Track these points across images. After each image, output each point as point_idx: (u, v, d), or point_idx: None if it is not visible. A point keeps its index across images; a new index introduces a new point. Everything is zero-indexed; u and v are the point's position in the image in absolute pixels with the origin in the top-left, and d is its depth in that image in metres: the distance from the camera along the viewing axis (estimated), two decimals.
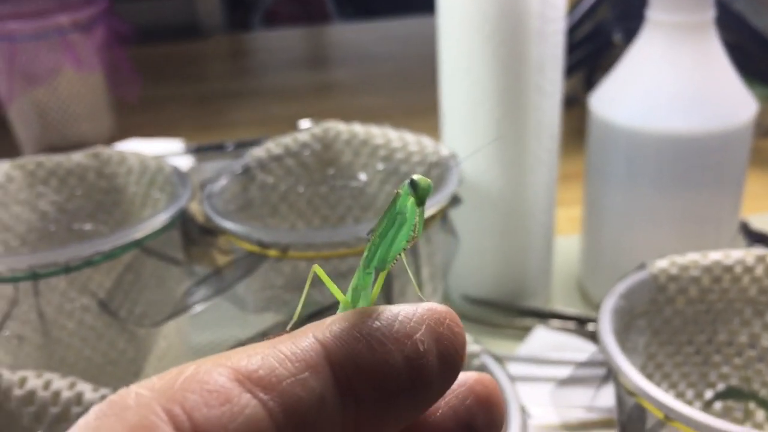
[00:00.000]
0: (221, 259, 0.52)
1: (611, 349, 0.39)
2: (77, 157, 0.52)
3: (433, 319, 0.15)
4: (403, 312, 0.15)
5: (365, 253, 0.17)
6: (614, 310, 0.43)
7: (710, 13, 0.60)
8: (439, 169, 0.48)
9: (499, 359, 0.39)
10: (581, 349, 0.65)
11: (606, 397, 0.44)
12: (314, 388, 0.13)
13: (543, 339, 0.68)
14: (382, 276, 0.17)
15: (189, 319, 0.51)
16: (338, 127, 0.53)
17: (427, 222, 0.44)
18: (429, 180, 0.16)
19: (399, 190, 0.16)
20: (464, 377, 0.17)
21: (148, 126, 1.17)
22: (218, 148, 0.71)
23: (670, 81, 0.63)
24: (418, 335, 0.15)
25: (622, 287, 0.44)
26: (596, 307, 0.73)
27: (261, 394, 0.13)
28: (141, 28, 1.11)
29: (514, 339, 0.68)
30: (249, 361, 0.13)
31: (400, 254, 0.17)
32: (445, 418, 0.16)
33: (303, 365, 0.14)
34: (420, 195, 0.16)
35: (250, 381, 0.13)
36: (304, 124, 0.76)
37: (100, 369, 0.45)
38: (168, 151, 0.68)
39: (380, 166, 0.50)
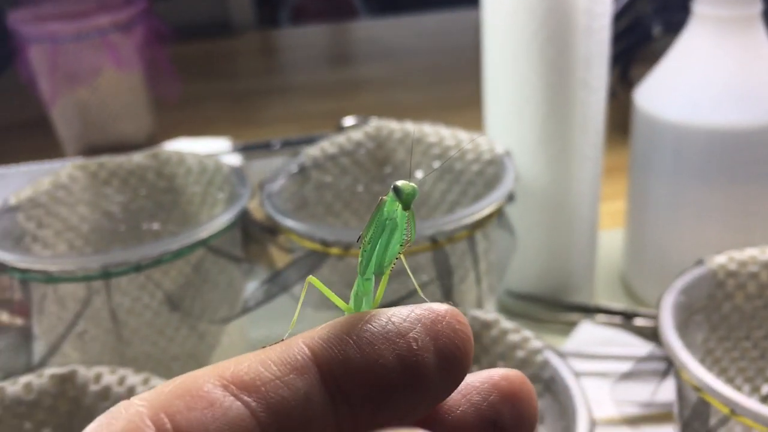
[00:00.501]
0: (279, 258, 0.53)
1: (674, 345, 0.39)
2: (137, 157, 0.53)
3: (430, 317, 0.15)
4: (396, 313, 0.15)
5: (360, 259, 0.17)
6: (674, 305, 0.43)
7: (758, 7, 0.60)
8: (494, 166, 0.49)
9: (562, 355, 0.40)
10: (628, 343, 0.66)
11: (665, 392, 0.45)
12: (299, 389, 0.14)
13: (589, 334, 0.68)
14: (384, 280, 0.17)
15: (247, 316, 0.52)
16: (390, 125, 0.54)
17: (485, 219, 0.44)
18: (413, 185, 0.16)
19: (384, 197, 0.16)
20: (489, 373, 0.16)
21: (186, 124, 1.18)
22: (265, 147, 0.72)
23: (718, 75, 0.63)
24: (411, 334, 0.15)
25: (681, 283, 0.44)
26: (640, 301, 0.73)
27: (245, 397, 0.14)
28: (174, 26, 1.13)
29: (560, 334, 0.68)
30: (236, 367, 0.14)
31: (397, 258, 0.17)
32: (466, 415, 0.16)
33: (288, 368, 0.14)
34: (405, 200, 0.16)
35: (235, 385, 0.14)
36: (348, 121, 0.77)
37: (166, 365, 0.46)
38: (215, 149, 0.69)
39: (435, 164, 0.51)
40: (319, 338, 0.15)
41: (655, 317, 0.67)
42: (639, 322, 0.68)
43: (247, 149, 0.72)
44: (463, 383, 0.16)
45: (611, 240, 0.80)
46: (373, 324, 0.15)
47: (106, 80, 1.05)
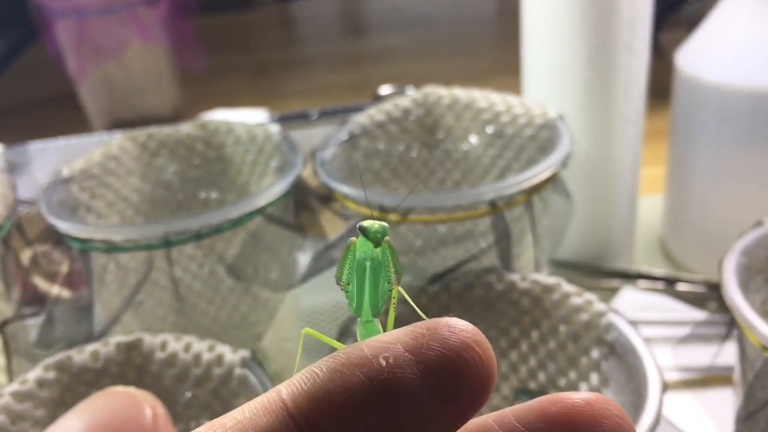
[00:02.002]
0: (329, 226, 0.53)
1: (740, 306, 0.39)
2: (185, 128, 0.53)
3: (412, 333, 0.14)
4: (373, 340, 0.14)
5: (349, 302, 0.17)
6: (735, 267, 0.43)
7: None
8: (547, 130, 0.48)
9: (631, 321, 0.40)
10: (671, 309, 0.66)
11: (724, 356, 0.44)
12: (263, 427, 0.14)
13: (631, 300, 0.68)
14: (390, 315, 0.17)
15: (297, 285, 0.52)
16: (438, 91, 0.53)
17: (543, 183, 0.44)
18: (380, 224, 0.16)
19: (353, 238, 0.16)
20: (534, 403, 0.15)
21: (211, 98, 1.18)
22: (303, 117, 0.71)
23: (763, 37, 0.62)
24: (385, 353, 0.14)
25: (741, 244, 0.44)
26: (680, 266, 0.73)
27: None
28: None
29: (601, 301, 0.68)
30: (227, 416, 0.14)
31: (390, 292, 0.17)
32: None
33: (258, 410, 0.14)
34: (372, 239, 0.16)
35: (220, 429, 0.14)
36: (384, 90, 0.77)
37: (225, 333, 0.46)
38: (254, 120, 0.69)
39: (489, 130, 0.50)
40: (293, 378, 0.14)
41: (698, 282, 0.67)
42: (681, 287, 0.68)
43: (284, 119, 0.72)
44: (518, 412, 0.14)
45: (649, 206, 0.79)
46: (346, 351, 0.14)
47: (132, 54, 1.05)
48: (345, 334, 0.41)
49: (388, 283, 0.16)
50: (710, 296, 0.66)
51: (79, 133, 0.78)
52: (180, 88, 1.14)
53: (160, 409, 0.15)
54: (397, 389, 0.13)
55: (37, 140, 0.68)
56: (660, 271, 0.71)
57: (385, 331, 0.16)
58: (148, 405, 0.14)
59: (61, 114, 1.15)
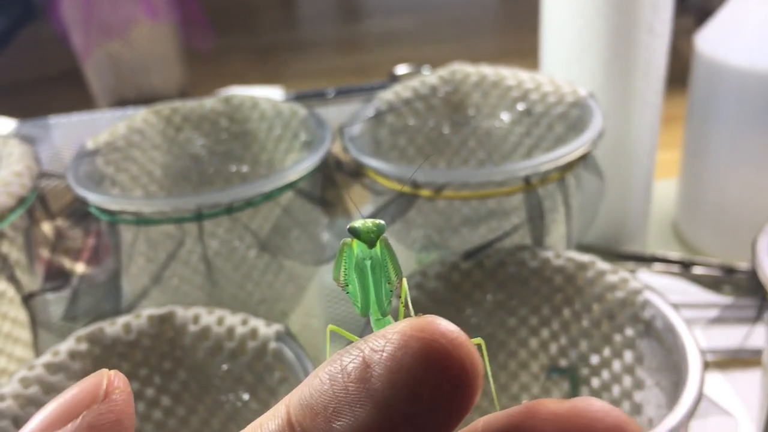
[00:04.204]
0: (354, 201, 0.53)
1: None
2: (209, 102, 0.52)
3: (381, 336, 0.13)
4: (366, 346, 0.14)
5: (353, 302, 0.16)
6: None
7: None
8: (578, 109, 0.48)
9: (672, 302, 0.40)
10: (687, 292, 0.66)
11: (754, 338, 0.45)
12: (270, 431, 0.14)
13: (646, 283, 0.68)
14: (400, 311, 0.17)
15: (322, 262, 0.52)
16: (465, 69, 0.53)
17: (574, 162, 0.44)
18: (372, 222, 0.15)
19: (346, 240, 0.16)
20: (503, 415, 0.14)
21: (216, 77, 1.17)
22: (319, 95, 0.71)
23: None
24: (348, 354, 0.13)
25: None
26: (694, 250, 0.73)
27: None
28: None
29: None
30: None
31: (392, 291, 0.16)
32: None
33: (271, 413, 0.14)
34: (365, 239, 0.15)
35: None
36: (401, 69, 0.76)
37: (254, 308, 0.46)
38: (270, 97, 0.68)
39: (520, 107, 0.50)
40: (302, 383, 0.14)
41: (714, 266, 0.67)
42: (697, 270, 0.68)
43: (300, 98, 0.71)
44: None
45: (662, 190, 0.80)
46: (336, 357, 0.14)
47: (138, 32, 1.03)
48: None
49: (389, 283, 0.16)
50: (726, 280, 0.66)
51: (87, 110, 0.77)
52: (185, 67, 1.13)
53: (119, 380, 0.14)
54: (346, 388, 0.13)
55: (52, 115, 0.68)
56: (675, 254, 0.71)
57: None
58: (105, 376, 0.14)
59: (65, 92, 1.14)
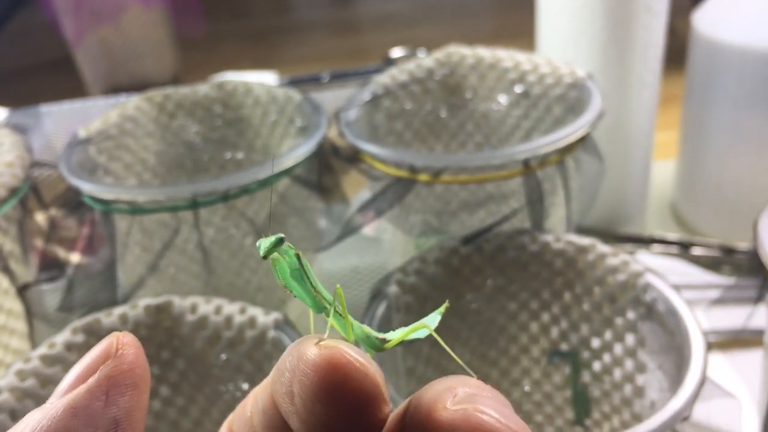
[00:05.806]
0: (350, 187, 0.52)
1: None
2: (203, 89, 0.51)
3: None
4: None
5: (307, 302, 0.18)
6: None
7: None
8: (577, 90, 0.48)
9: (674, 284, 0.39)
10: (687, 273, 0.65)
11: (755, 319, 0.44)
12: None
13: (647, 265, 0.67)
14: (345, 315, 0.18)
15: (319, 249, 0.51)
16: (462, 51, 0.52)
17: (574, 145, 0.43)
18: (270, 237, 0.17)
19: (272, 258, 0.17)
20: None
21: (208, 64, 1.15)
22: (314, 80, 0.70)
23: None
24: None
25: None
26: (692, 231, 0.73)
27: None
28: None
29: None
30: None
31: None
32: None
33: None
34: (264, 257, 0.17)
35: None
36: (396, 52, 0.75)
37: (251, 296, 0.46)
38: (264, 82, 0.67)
39: (518, 89, 0.49)
40: None
41: (713, 246, 0.67)
42: (696, 251, 0.68)
43: (294, 82, 0.70)
44: None
45: (660, 171, 0.79)
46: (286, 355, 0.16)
47: (130, 17, 1.02)
48: (378, 296, 0.40)
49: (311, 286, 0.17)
50: (726, 260, 0.66)
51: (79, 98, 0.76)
52: (178, 53, 1.11)
53: (127, 338, 0.16)
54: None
55: (43, 103, 0.67)
56: (674, 235, 0.70)
57: (347, 329, 0.17)
58: (115, 337, 0.16)
59: (57, 80, 1.13)
